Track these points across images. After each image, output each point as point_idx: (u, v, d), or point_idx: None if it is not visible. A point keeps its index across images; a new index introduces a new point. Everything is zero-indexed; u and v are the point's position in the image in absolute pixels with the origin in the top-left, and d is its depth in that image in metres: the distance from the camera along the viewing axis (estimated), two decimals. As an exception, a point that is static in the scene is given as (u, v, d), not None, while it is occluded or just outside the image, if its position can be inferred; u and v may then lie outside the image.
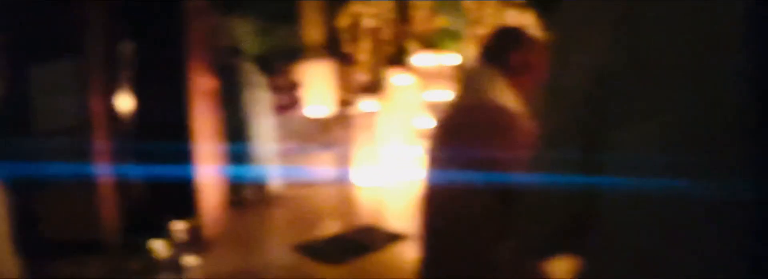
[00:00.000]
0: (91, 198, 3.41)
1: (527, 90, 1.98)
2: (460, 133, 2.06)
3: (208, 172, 4.52)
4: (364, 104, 6.64)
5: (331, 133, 6.75)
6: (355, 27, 6.80)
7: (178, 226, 3.82)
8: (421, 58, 7.90)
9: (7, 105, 3.28)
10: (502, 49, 2.05)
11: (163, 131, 4.07)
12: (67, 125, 3.55)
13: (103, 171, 3.63)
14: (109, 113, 3.86)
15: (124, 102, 4.12)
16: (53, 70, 3.58)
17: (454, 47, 8.34)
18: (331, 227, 5.02)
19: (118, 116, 4.09)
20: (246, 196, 5.35)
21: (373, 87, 6.97)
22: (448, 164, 2.00)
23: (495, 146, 1.88)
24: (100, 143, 3.67)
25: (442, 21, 8.20)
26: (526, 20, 7.86)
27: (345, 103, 6.74)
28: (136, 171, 4.04)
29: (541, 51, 1.98)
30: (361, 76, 6.93)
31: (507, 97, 1.94)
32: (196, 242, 3.86)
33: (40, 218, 3.28)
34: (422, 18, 7.98)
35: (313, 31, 8.08)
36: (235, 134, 5.31)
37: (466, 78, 2.21)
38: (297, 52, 8.09)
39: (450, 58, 8.20)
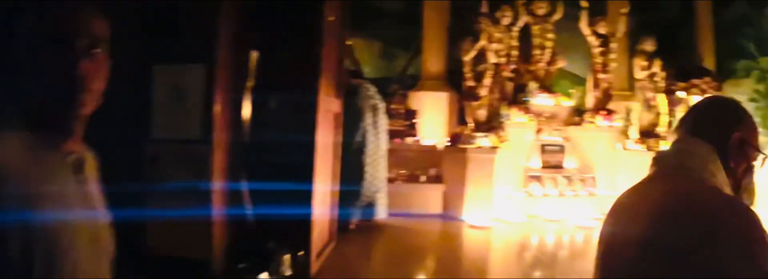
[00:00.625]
0: (203, 220, 3.06)
1: (736, 179, 1.52)
2: (688, 233, 1.44)
3: (323, 199, 4.12)
4: (480, 140, 6.12)
5: (443, 165, 6.27)
6: (478, 62, 6.33)
7: (286, 259, 3.41)
8: (538, 99, 7.40)
9: (129, 112, 2.98)
10: (721, 126, 1.58)
11: (286, 149, 3.70)
12: (188, 136, 3.22)
13: (219, 188, 3.29)
14: (232, 127, 3.52)
15: (248, 115, 3.77)
16: (179, 79, 3.28)
17: (572, 90, 7.82)
18: (435, 264, 4.52)
19: (241, 130, 3.74)
20: (355, 223, 4.95)
21: (490, 124, 6.45)
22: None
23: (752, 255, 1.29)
24: (220, 157, 3.32)
25: (562, 62, 7.68)
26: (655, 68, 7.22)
27: (460, 136, 6.23)
28: (251, 184, 3.68)
29: (756, 131, 1.58)
30: (480, 112, 6.44)
31: (727, 187, 1.48)
32: (302, 275, 3.45)
33: (147, 240, 2.95)
34: (544, 58, 7.50)
35: (434, 61, 7.73)
36: (352, 158, 4.95)
37: (676, 153, 1.61)
38: (416, 80, 7.77)
39: (566, 101, 7.68)
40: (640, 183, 1.60)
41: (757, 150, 1.54)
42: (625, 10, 7.49)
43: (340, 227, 4.51)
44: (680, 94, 8.13)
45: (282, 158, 3.65)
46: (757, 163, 1.55)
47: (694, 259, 1.26)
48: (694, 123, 1.63)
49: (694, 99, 8.63)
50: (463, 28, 7.97)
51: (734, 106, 1.67)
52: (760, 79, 8.71)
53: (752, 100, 8.76)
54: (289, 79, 3.88)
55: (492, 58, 6.45)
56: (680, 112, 8.32)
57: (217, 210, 3.05)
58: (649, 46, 7.22)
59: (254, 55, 3.96)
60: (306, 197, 3.74)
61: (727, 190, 1.46)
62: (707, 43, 9.30)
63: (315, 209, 3.74)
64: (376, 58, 7.90)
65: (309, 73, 3.97)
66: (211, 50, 3.41)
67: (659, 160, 1.60)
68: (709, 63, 8.97)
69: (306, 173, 3.88)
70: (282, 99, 3.92)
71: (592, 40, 7.36)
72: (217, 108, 3.33)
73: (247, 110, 3.99)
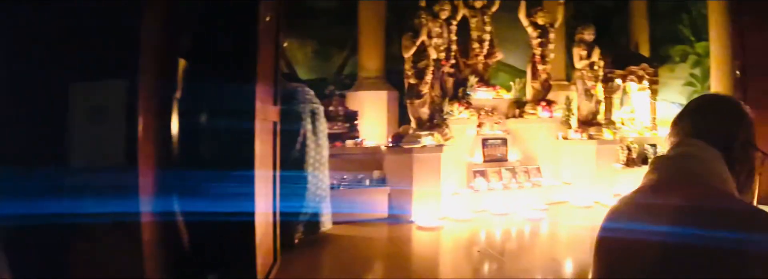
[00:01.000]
0: (132, 239, 2.75)
1: (740, 181, 1.50)
2: (715, 242, 1.37)
3: (266, 218, 3.86)
4: (425, 139, 5.94)
5: (387, 167, 6.07)
6: (418, 58, 6.14)
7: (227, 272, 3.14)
8: (479, 93, 7.31)
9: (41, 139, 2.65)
10: (725, 128, 1.54)
11: (224, 161, 3.42)
12: (109, 153, 2.90)
13: (147, 207, 2.98)
14: (158, 147, 3.22)
15: (177, 132, 3.48)
16: (98, 97, 2.94)
17: (512, 82, 7.75)
18: (387, 273, 4.33)
19: (169, 149, 3.44)
20: (298, 237, 4.68)
21: (434, 121, 6.29)
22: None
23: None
24: (146, 175, 3.01)
25: (499, 55, 7.61)
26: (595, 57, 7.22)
27: (404, 136, 6.04)
28: (185, 207, 3.38)
29: (753, 129, 1.54)
30: (423, 110, 6.27)
31: (735, 191, 1.45)
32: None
33: (74, 262, 2.63)
34: (482, 51, 7.40)
35: (371, 59, 7.51)
36: (291, 164, 4.68)
37: (683, 159, 1.52)
38: (353, 80, 7.53)
39: (506, 94, 7.63)
40: (644, 190, 1.50)
41: (762, 152, 1.51)
42: (562, 0, 7.47)
43: (284, 244, 4.25)
44: (618, 81, 8.22)
45: (217, 176, 3.37)
46: (757, 164, 1.53)
47: (723, 268, 1.24)
48: (695, 125, 1.56)
49: (632, 86, 8.79)
50: (399, 24, 7.80)
51: (734, 106, 1.60)
52: (696, 64, 8.90)
53: (688, 84, 8.96)
54: (223, 87, 3.59)
55: (433, 54, 6.28)
56: (616, 98, 8.44)
57: (148, 242, 2.75)
58: (588, 35, 7.21)
59: (182, 63, 3.65)
60: (247, 217, 3.47)
61: (736, 194, 1.44)
62: (642, 30, 9.45)
63: (257, 230, 3.48)
64: (309, 59, 7.62)
65: (244, 80, 3.69)
66: (133, 62, 3.09)
67: (661, 166, 1.51)
68: (644, 49, 9.12)
69: (246, 191, 3.61)
70: (214, 109, 3.62)
71: (531, 31, 7.31)
72: (141, 128, 3.03)
73: (175, 126, 3.69)
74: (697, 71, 8.87)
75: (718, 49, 8.18)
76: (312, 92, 5.18)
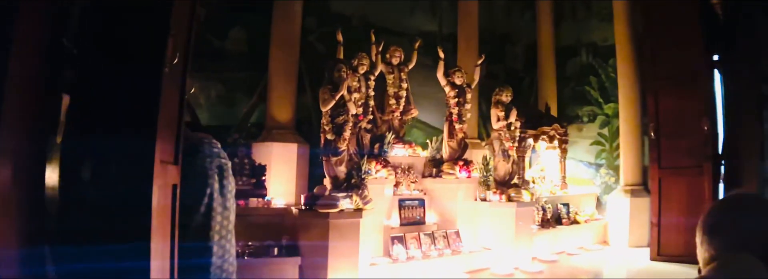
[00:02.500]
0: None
1: None
2: None
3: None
4: (343, 202, 5.30)
5: (299, 233, 5.33)
6: (335, 113, 5.60)
7: None
8: (395, 150, 6.87)
9: None
10: (763, 235, 1.39)
11: (111, 239, 2.65)
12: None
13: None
14: (27, 207, 2.46)
15: (56, 190, 2.73)
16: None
17: (428, 140, 7.40)
18: None
19: (41, 207, 2.69)
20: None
21: (351, 181, 5.70)
22: None
23: None
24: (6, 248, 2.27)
25: (415, 111, 7.28)
26: (512, 118, 7.03)
27: (318, 197, 5.36)
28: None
29: None
30: (340, 168, 5.68)
31: None
32: None
33: None
34: (399, 108, 7.03)
35: (282, 108, 6.88)
36: (194, 233, 3.90)
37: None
38: (260, 129, 6.85)
39: (422, 152, 7.26)
40: None
41: None
42: (479, 62, 7.31)
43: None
44: (529, 141, 8.11)
45: (105, 254, 2.60)
46: None
47: None
48: (738, 235, 1.37)
49: (542, 145, 8.71)
50: (312, 74, 7.28)
51: (761, 206, 1.44)
52: (605, 124, 9.05)
53: (597, 143, 9.08)
54: (115, 139, 2.85)
55: (352, 109, 5.76)
56: (526, 158, 8.30)
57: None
58: (505, 96, 7.06)
59: (65, 100, 2.89)
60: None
61: None
62: (550, 91, 9.54)
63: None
64: (213, 104, 6.88)
65: (141, 133, 2.96)
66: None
67: None
68: (553, 109, 9.17)
69: (139, 267, 2.85)
70: (102, 167, 2.87)
71: (448, 91, 7.03)
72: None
73: (52, 179, 2.89)
74: (605, 131, 9.03)
75: (628, 111, 8.34)
76: (219, 145, 4.44)
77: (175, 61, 3.21)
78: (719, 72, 6.55)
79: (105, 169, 2.80)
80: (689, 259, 6.31)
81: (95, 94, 2.86)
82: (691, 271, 5.80)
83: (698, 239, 1.44)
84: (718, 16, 6.53)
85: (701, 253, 1.42)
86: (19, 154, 2.40)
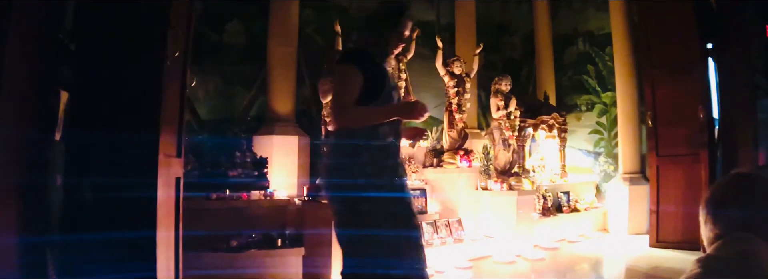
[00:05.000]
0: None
1: None
2: None
3: (165, 276, 3.09)
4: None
5: (303, 224, 5.31)
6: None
7: None
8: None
9: None
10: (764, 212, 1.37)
11: (116, 236, 2.62)
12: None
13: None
14: (27, 211, 2.42)
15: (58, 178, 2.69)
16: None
17: (427, 131, 7.37)
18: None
19: (46, 200, 2.66)
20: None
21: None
22: None
23: None
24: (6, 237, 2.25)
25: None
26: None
27: (321, 189, 5.32)
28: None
29: None
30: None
31: None
32: None
33: None
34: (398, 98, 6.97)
35: (282, 100, 6.82)
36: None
37: (746, 260, 1.28)
38: (260, 123, 6.80)
39: (423, 142, 7.22)
40: None
41: None
42: (477, 50, 7.26)
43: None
44: (529, 130, 8.10)
45: (110, 253, 2.58)
46: None
47: None
48: (745, 215, 1.35)
49: (541, 134, 8.70)
50: (312, 66, 7.23)
51: (766, 185, 1.42)
52: (603, 112, 9.02)
53: (595, 131, 9.06)
54: (117, 134, 2.81)
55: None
56: (527, 147, 8.29)
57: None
58: (504, 85, 7.01)
59: (64, 96, 2.85)
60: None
61: None
62: (548, 80, 9.49)
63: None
64: (212, 97, 6.83)
65: (144, 127, 2.93)
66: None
67: (715, 269, 1.27)
68: (551, 98, 9.14)
69: (145, 256, 2.84)
70: (106, 163, 2.83)
71: (447, 80, 6.98)
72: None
73: (54, 176, 2.86)
74: (603, 119, 9.00)
75: (625, 100, 8.31)
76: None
77: (176, 54, 3.17)
78: (713, 60, 6.52)
79: (109, 164, 2.77)
80: (687, 245, 6.34)
81: (98, 90, 2.82)
82: (689, 256, 5.79)
83: (702, 218, 1.43)
84: (711, 5, 6.49)
85: (705, 232, 1.41)
86: (18, 153, 2.36)
